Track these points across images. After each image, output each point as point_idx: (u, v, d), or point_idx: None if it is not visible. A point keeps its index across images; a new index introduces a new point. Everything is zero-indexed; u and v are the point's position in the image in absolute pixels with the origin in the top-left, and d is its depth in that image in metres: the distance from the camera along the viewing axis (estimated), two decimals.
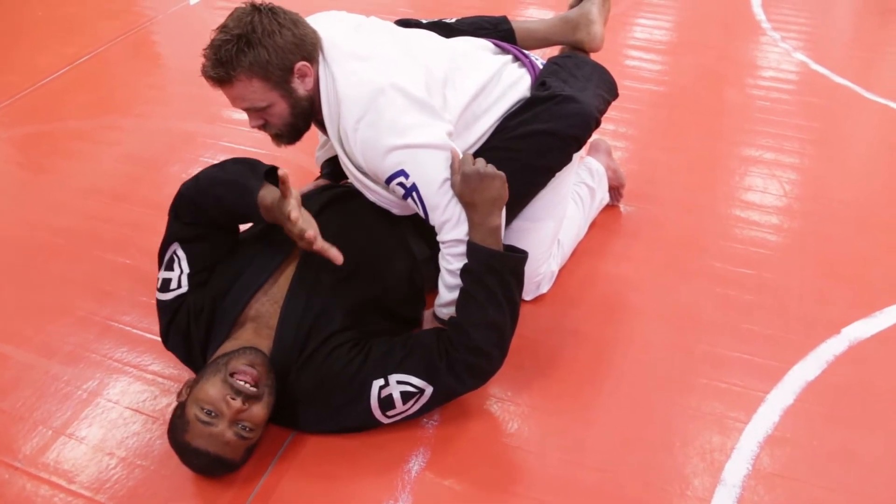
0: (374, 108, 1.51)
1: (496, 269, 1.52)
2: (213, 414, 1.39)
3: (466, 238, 1.57)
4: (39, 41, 3.45)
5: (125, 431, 1.61)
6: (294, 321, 1.52)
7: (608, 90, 1.87)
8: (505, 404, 1.66)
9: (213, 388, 1.40)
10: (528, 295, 1.90)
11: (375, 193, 1.65)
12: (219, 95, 2.90)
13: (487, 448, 1.57)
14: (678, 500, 1.47)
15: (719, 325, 1.85)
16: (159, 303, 1.63)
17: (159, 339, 1.73)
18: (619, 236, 2.15)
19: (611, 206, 2.24)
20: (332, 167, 1.93)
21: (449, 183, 1.55)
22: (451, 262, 1.60)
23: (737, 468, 1.53)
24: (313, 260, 1.58)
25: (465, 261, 1.56)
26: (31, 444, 1.59)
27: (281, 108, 1.57)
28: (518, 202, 1.75)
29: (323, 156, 2.00)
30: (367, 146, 1.53)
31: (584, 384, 1.71)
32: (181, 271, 1.62)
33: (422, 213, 1.59)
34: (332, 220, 1.64)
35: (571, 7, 2.07)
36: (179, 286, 1.61)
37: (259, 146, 2.61)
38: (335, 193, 1.75)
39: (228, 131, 2.71)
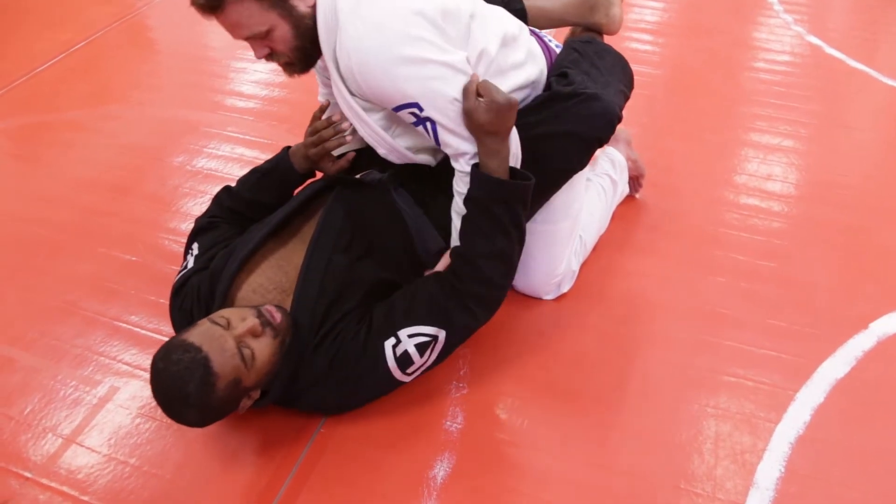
0: (382, 24, 1.36)
1: (505, 199, 1.46)
2: (225, 323, 1.35)
3: None
4: (32, 28, 3.35)
5: (138, 438, 1.56)
6: (309, 305, 1.47)
7: (627, 84, 1.79)
8: (529, 406, 1.62)
9: (235, 309, 1.41)
10: (548, 295, 1.85)
11: (367, 126, 1.52)
12: (220, 83, 2.87)
13: (513, 452, 1.53)
14: None
15: (744, 321, 1.81)
16: (172, 289, 1.64)
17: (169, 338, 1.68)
18: (639, 228, 2.10)
19: (629, 197, 2.18)
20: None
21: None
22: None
23: (769, 470, 1.49)
24: (324, 241, 1.54)
25: None
26: (41, 452, 1.54)
27: (283, 31, 1.41)
28: (536, 204, 1.70)
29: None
30: (370, 66, 1.37)
31: (609, 384, 1.67)
32: (192, 255, 1.65)
33: (431, 140, 1.49)
34: (343, 199, 1.62)
35: None
36: (187, 267, 1.63)
37: (264, 136, 2.54)
38: (346, 179, 1.70)
39: (231, 120, 2.64)
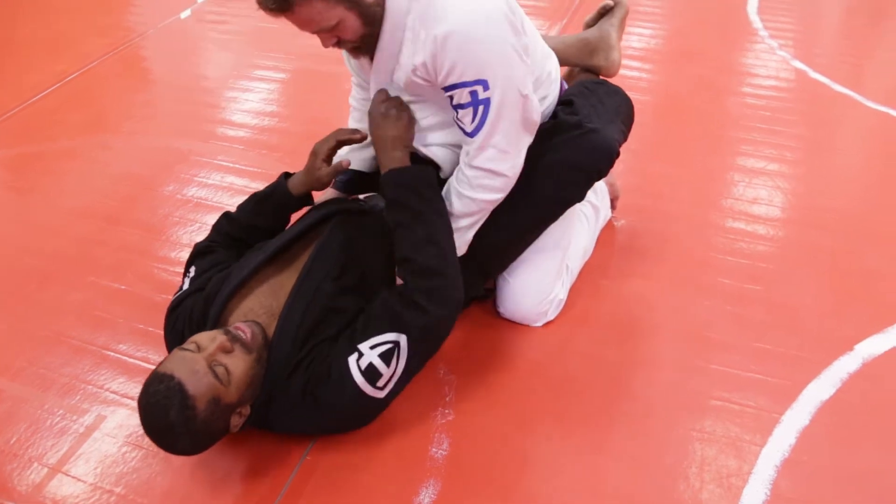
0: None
1: (410, 185, 1.55)
2: (195, 347, 1.38)
3: (509, 172, 1.57)
4: (27, 59, 3.40)
5: (124, 467, 1.56)
6: (291, 331, 1.48)
7: (628, 126, 1.83)
8: (516, 431, 1.62)
9: (204, 333, 1.43)
10: (535, 322, 1.86)
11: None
12: (212, 112, 2.90)
13: (499, 477, 1.53)
14: None
15: (730, 344, 1.82)
16: (167, 309, 1.67)
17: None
18: (626, 253, 2.11)
19: (609, 223, 2.20)
20: (349, 176, 1.87)
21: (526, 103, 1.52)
22: (478, 192, 1.58)
23: (755, 493, 1.49)
24: (316, 270, 1.55)
25: (496, 195, 1.59)
26: (26, 482, 1.54)
27: (352, 22, 1.42)
28: (534, 234, 1.73)
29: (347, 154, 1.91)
30: (462, 36, 1.40)
31: (596, 408, 1.67)
32: (189, 277, 1.69)
33: (467, 129, 1.52)
34: (340, 229, 1.63)
35: (587, 27, 2.02)
36: (182, 289, 1.67)
37: (255, 165, 2.56)
38: (347, 206, 1.73)
39: (222, 149, 2.66)
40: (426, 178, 1.58)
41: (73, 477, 1.55)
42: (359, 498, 1.48)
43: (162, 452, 1.57)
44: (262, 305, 1.54)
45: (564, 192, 1.69)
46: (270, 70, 3.20)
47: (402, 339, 1.48)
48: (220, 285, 1.59)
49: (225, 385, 1.36)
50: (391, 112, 1.58)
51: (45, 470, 1.56)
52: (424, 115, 1.63)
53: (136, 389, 1.73)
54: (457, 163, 1.65)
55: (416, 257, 1.51)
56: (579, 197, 1.71)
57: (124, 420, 1.67)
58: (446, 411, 1.66)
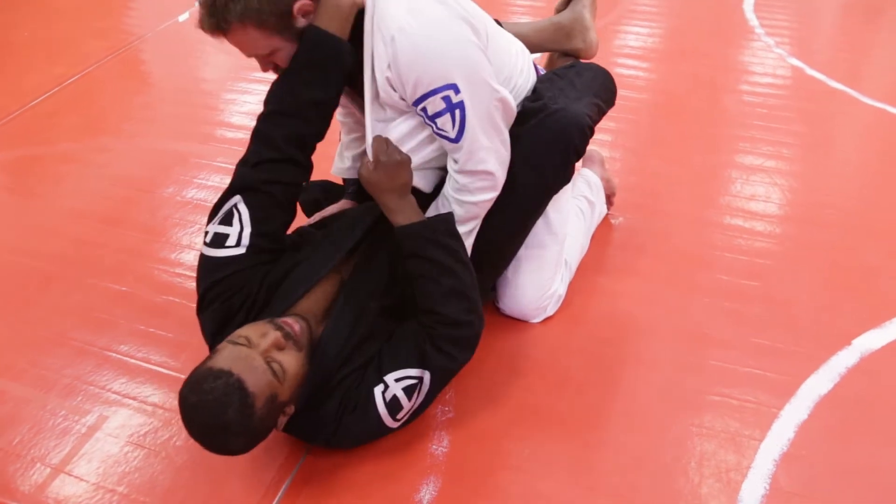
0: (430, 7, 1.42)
1: (432, 239, 1.50)
2: (246, 342, 1.31)
3: (500, 168, 1.56)
4: (26, 62, 3.41)
5: (126, 467, 1.57)
6: (339, 342, 1.46)
7: (606, 99, 1.81)
8: (515, 429, 1.63)
9: (251, 326, 1.35)
10: (535, 318, 1.87)
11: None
12: (211, 115, 2.91)
13: (498, 475, 1.53)
14: None
15: (729, 340, 1.82)
16: (206, 259, 1.49)
17: (159, 368, 1.69)
18: (623, 250, 2.12)
19: (607, 220, 2.21)
20: (358, 186, 1.85)
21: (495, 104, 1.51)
22: (477, 195, 1.57)
23: (754, 488, 1.50)
24: (362, 281, 1.54)
25: (493, 193, 1.59)
26: (29, 482, 1.55)
27: (287, 52, 1.46)
28: (527, 225, 1.73)
29: (342, 166, 1.90)
30: (421, 47, 1.40)
31: (594, 405, 1.68)
32: (241, 228, 1.48)
33: (451, 135, 1.50)
34: (379, 246, 1.60)
35: (558, 11, 2.01)
36: (238, 244, 1.48)
37: None
38: (379, 216, 1.61)
39: (221, 151, 2.67)
40: (446, 226, 1.53)
41: (76, 477, 1.55)
42: (360, 495, 1.49)
43: (163, 452, 1.58)
44: (317, 307, 1.51)
45: (545, 178, 1.68)
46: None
47: (426, 376, 1.48)
48: (282, 275, 1.51)
49: (281, 382, 1.31)
50: (397, 157, 1.51)
51: (48, 470, 1.57)
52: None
53: (137, 390, 1.74)
54: (433, 181, 1.66)
55: (443, 311, 1.48)
56: (563, 180, 1.70)
57: (126, 420, 1.67)
58: (446, 409, 1.66)
